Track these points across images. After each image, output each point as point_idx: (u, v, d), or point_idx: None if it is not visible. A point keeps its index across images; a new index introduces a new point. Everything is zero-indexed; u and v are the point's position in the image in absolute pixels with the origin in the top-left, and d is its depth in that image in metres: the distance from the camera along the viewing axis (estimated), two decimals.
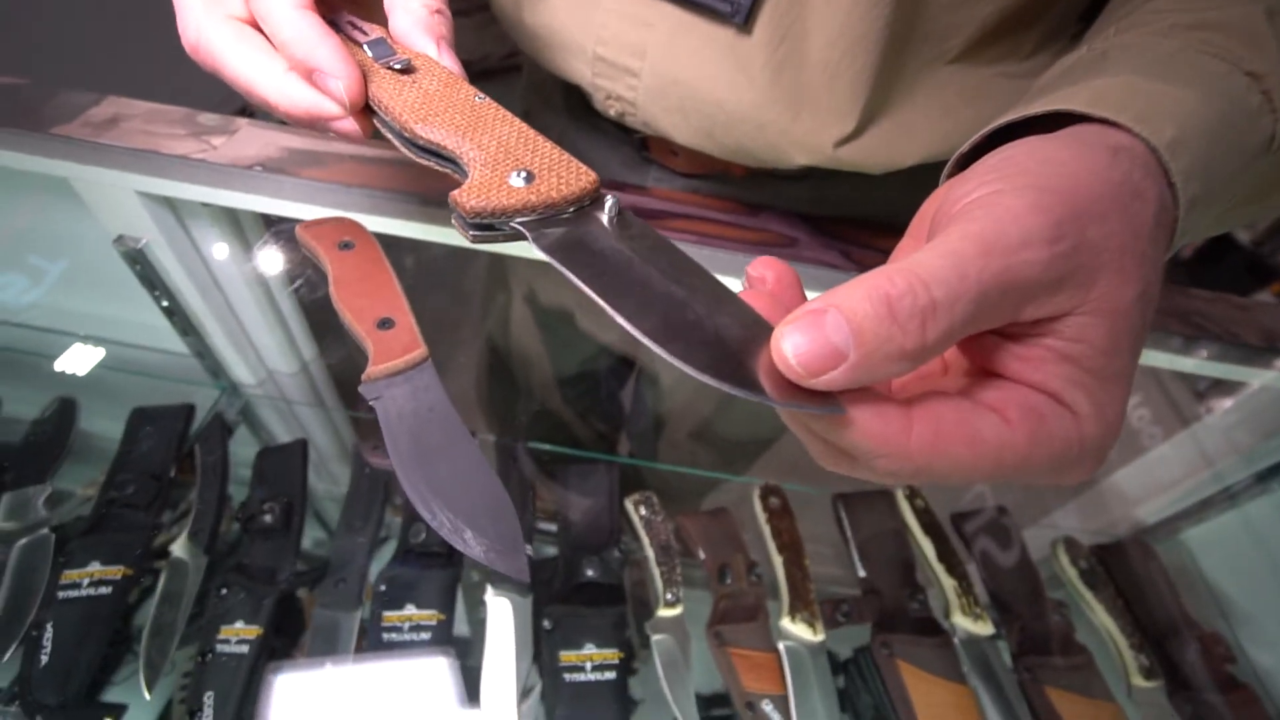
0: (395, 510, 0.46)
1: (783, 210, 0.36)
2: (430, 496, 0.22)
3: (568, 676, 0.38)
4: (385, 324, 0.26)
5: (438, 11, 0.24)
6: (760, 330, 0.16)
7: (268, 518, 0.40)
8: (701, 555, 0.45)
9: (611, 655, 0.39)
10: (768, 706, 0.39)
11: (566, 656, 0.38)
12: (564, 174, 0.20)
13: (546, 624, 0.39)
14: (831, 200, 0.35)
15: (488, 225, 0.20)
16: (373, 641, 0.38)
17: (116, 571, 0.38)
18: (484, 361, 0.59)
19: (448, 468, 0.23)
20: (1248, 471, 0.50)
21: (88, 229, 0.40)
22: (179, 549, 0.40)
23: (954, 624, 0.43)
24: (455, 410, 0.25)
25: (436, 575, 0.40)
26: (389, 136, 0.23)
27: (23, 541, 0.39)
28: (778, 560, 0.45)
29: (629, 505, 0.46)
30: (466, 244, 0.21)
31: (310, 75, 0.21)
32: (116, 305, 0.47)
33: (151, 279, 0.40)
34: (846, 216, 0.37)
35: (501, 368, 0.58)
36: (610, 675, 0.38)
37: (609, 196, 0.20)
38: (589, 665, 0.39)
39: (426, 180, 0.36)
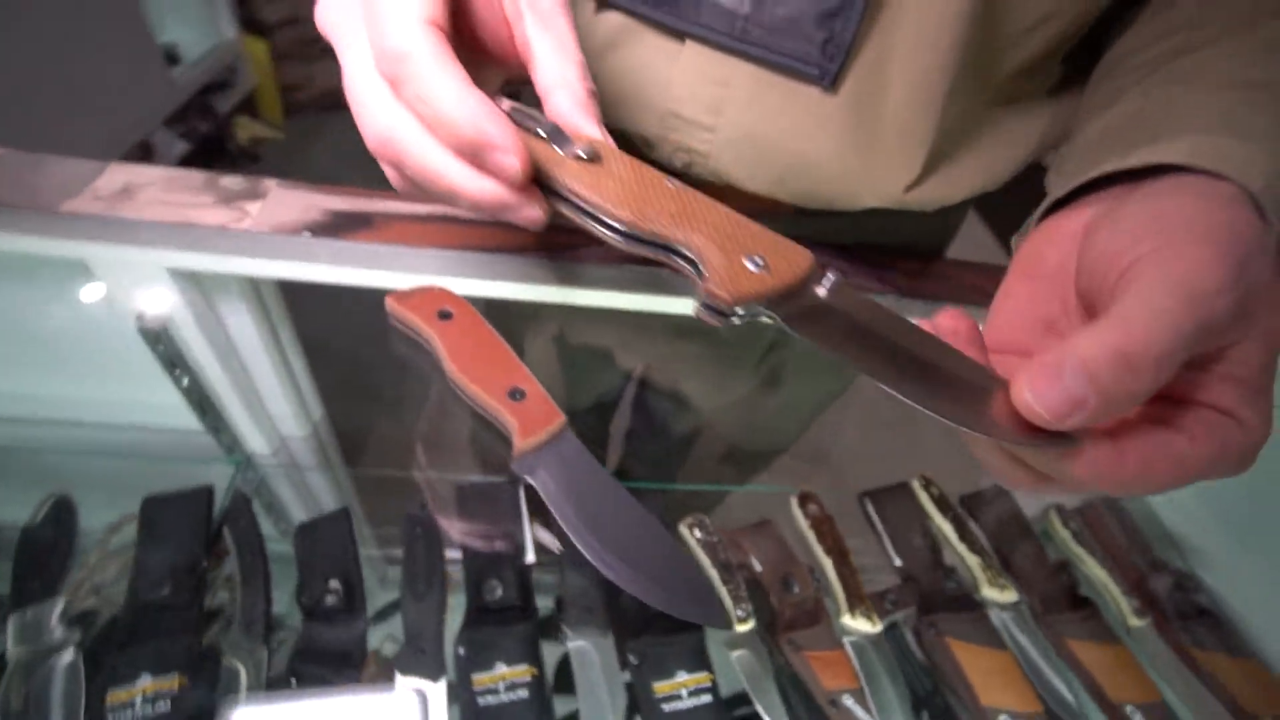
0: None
1: (819, 241, 0.39)
2: (614, 560, 0.23)
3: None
4: (517, 395, 0.26)
5: (594, 93, 0.24)
6: (981, 376, 0.18)
7: (331, 599, 0.38)
8: (759, 568, 0.47)
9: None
10: (849, 700, 0.42)
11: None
12: (787, 254, 0.21)
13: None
14: (866, 230, 0.38)
15: (726, 311, 0.21)
16: (466, 706, 0.37)
17: (172, 682, 0.35)
18: None
19: (619, 528, 0.24)
20: None
21: (93, 310, 0.36)
22: (231, 644, 0.37)
23: (984, 597, 0.48)
24: (605, 469, 0.25)
25: (518, 629, 0.40)
26: (586, 225, 0.23)
27: (47, 665, 0.34)
28: (826, 563, 0.48)
29: (683, 530, 0.48)
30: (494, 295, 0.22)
31: (479, 155, 0.21)
32: (110, 388, 0.43)
33: (173, 357, 0.37)
34: (874, 244, 0.40)
35: None
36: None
37: (829, 272, 0.21)
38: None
39: (480, 235, 0.36)
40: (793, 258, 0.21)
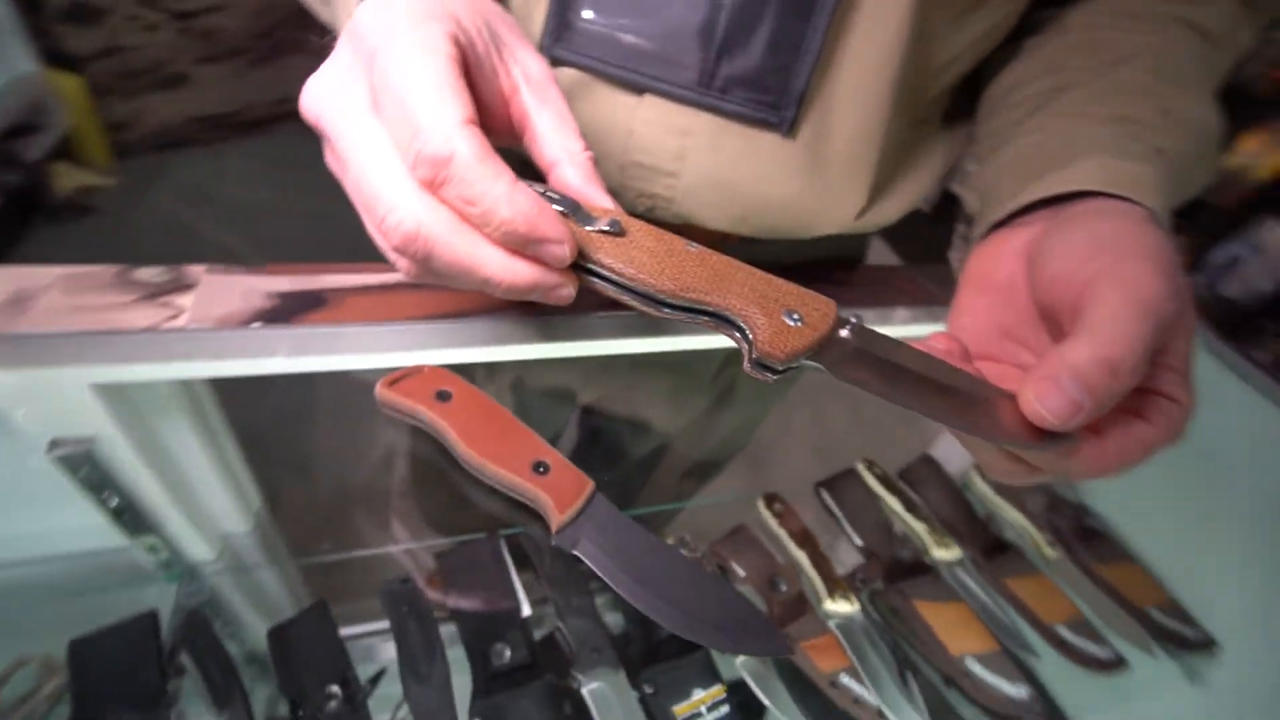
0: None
1: (767, 265, 0.42)
2: (674, 615, 0.24)
3: None
4: (542, 468, 0.26)
5: (595, 160, 0.25)
6: (986, 390, 0.22)
7: (333, 704, 0.35)
8: (742, 574, 0.49)
9: None
10: (845, 679, 0.45)
11: None
12: (816, 305, 0.23)
13: None
14: (802, 251, 0.42)
15: (772, 368, 0.22)
16: None
17: None
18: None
19: (670, 581, 0.25)
20: None
21: None
22: None
23: (934, 558, 0.54)
24: (637, 523, 0.26)
25: (533, 688, 0.39)
26: (620, 297, 0.23)
27: None
28: (800, 555, 0.52)
29: None
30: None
31: (530, 248, 0.21)
32: (12, 522, 0.36)
33: (99, 480, 0.33)
34: (812, 261, 0.44)
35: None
36: None
37: (850, 316, 0.23)
38: None
39: (443, 301, 0.35)
40: (822, 308, 0.23)
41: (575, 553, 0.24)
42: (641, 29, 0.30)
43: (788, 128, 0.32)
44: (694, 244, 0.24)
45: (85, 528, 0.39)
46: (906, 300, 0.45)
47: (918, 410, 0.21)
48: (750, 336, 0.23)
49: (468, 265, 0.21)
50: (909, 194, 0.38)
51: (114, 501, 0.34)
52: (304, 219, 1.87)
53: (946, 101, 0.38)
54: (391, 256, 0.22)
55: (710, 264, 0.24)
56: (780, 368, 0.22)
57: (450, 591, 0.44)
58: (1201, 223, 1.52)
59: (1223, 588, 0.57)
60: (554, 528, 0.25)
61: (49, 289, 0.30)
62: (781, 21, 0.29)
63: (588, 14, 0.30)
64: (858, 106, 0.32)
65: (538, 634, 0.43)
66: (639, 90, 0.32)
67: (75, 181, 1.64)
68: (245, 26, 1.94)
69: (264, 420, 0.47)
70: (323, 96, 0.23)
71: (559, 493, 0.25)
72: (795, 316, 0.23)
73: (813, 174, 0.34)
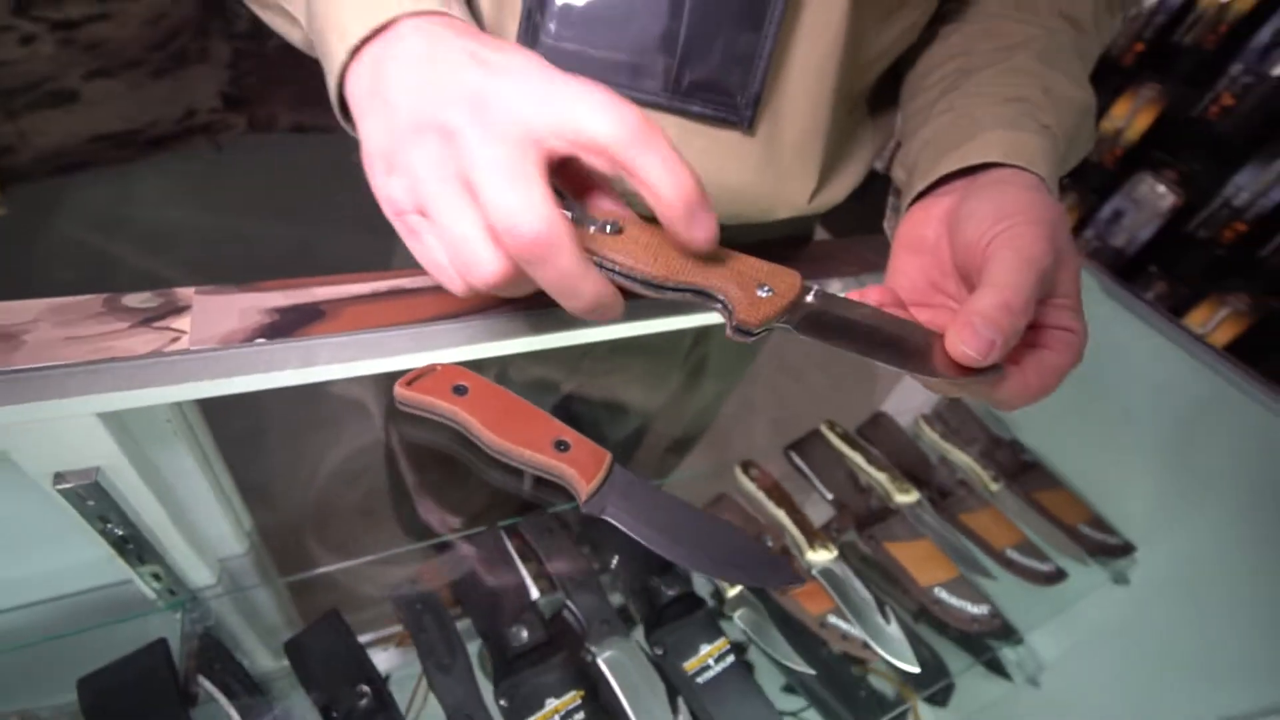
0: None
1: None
2: (699, 559, 0.27)
3: None
4: (563, 446, 0.29)
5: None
6: (923, 335, 0.26)
7: (364, 702, 0.36)
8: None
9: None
10: (833, 619, 0.50)
11: None
12: (783, 278, 0.26)
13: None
14: (762, 233, 0.45)
15: (754, 332, 0.25)
16: None
17: None
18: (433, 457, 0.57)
19: (691, 531, 0.28)
20: None
21: None
22: None
23: (898, 503, 0.60)
24: (651, 485, 0.29)
25: (553, 662, 0.41)
26: (623, 284, 0.26)
27: None
28: (779, 514, 0.56)
29: None
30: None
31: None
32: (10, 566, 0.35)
33: (102, 511, 0.32)
34: (771, 240, 0.48)
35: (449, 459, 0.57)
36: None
37: (812, 285, 0.27)
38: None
39: (435, 304, 0.37)
40: (789, 279, 0.27)
41: (605, 517, 0.27)
42: (609, 42, 0.32)
43: (747, 125, 0.35)
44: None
45: (80, 565, 0.38)
46: (851, 269, 0.50)
47: (870, 357, 0.25)
48: (730, 308, 0.26)
49: (578, 271, 0.23)
50: (852, 175, 0.42)
51: (118, 531, 0.34)
52: (221, 239, 1.78)
53: (875, 91, 0.43)
54: (481, 266, 0.24)
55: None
56: (756, 331, 0.26)
57: (460, 585, 0.45)
58: (1089, 182, 1.68)
59: (1134, 499, 0.66)
60: (582, 497, 0.27)
61: (37, 322, 0.30)
62: (736, 32, 0.32)
63: (556, 31, 0.32)
64: (805, 103, 0.36)
65: (546, 615, 0.45)
66: None
67: None
68: (137, 36, 1.81)
69: (246, 439, 0.46)
70: (424, 106, 0.24)
71: (582, 465, 0.28)
72: (766, 289, 0.27)
73: (770, 165, 0.37)
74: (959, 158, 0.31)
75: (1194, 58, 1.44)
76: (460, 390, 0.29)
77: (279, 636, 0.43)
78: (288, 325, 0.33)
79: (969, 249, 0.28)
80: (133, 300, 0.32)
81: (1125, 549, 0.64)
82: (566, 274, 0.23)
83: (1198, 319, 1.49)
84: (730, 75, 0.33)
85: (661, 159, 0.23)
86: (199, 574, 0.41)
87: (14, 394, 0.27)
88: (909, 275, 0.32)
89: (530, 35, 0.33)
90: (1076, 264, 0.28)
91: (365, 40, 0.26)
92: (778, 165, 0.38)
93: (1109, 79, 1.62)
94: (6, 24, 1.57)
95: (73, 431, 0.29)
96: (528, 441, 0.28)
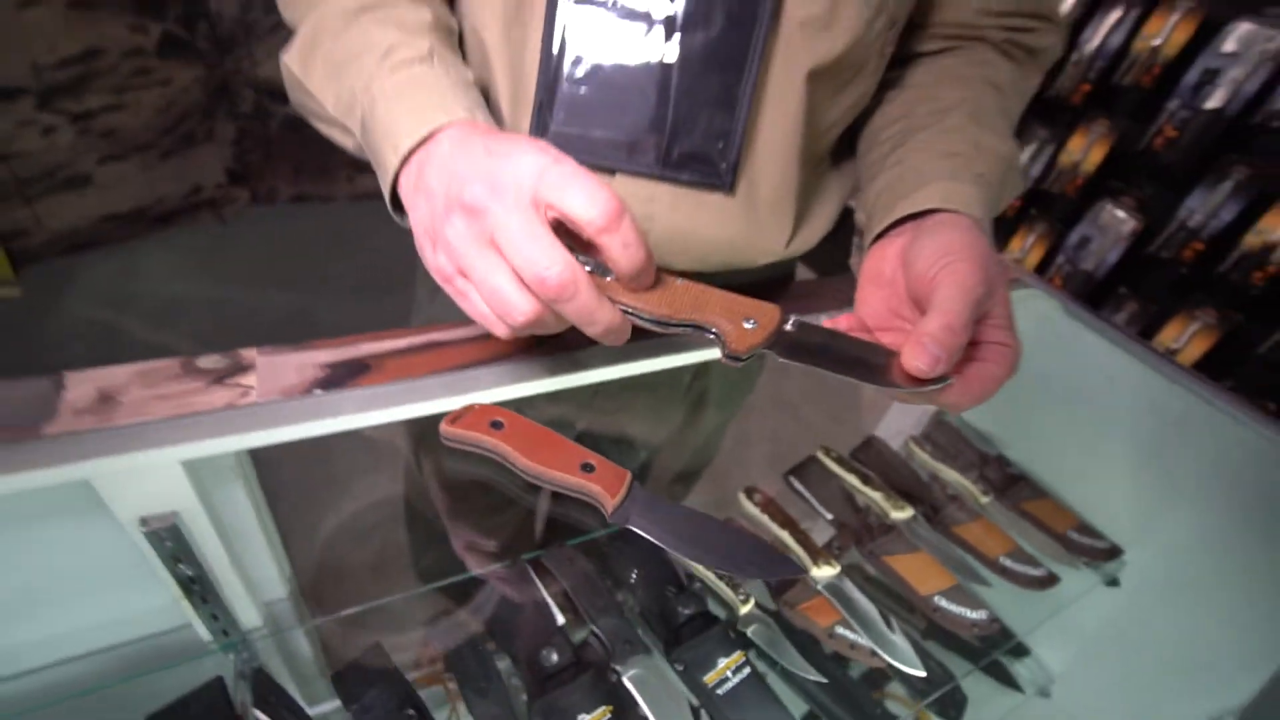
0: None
1: None
2: (713, 557, 0.31)
3: None
4: (588, 468, 0.33)
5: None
6: (884, 354, 0.31)
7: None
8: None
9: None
10: (840, 629, 0.53)
11: None
12: (765, 312, 0.31)
13: None
14: (748, 277, 0.51)
15: (742, 358, 0.30)
16: None
17: None
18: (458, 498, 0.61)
19: (704, 535, 0.32)
20: None
21: (88, 529, 0.34)
22: None
23: (894, 520, 0.63)
24: (664, 498, 0.33)
25: (583, 680, 0.44)
26: (635, 321, 0.32)
27: None
28: (784, 534, 0.59)
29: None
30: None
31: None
32: (87, 612, 0.39)
33: (178, 553, 0.36)
34: (754, 284, 0.53)
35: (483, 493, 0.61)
36: None
37: (790, 316, 0.32)
38: None
39: (463, 354, 0.42)
40: (770, 313, 0.32)
41: (629, 526, 0.31)
42: (608, 126, 0.39)
43: (728, 188, 0.41)
44: (680, 278, 0.33)
45: (143, 612, 0.41)
46: (829, 304, 0.55)
47: (841, 374, 0.30)
48: (722, 339, 0.32)
49: (595, 305, 0.29)
50: (822, 222, 0.48)
51: (188, 572, 0.37)
52: (225, 308, 1.84)
53: (836, 150, 0.49)
54: (517, 310, 0.29)
55: (693, 292, 0.33)
56: (744, 357, 0.31)
57: (491, 614, 0.48)
58: (1055, 212, 1.78)
59: (1118, 504, 0.70)
60: (609, 510, 0.31)
61: (129, 384, 0.34)
62: (714, 113, 0.39)
63: (563, 119, 0.39)
64: (775, 166, 0.42)
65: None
66: (611, 172, 0.41)
67: None
68: (149, 123, 1.92)
69: (285, 487, 0.50)
70: (477, 194, 0.29)
71: (607, 483, 0.32)
72: (751, 321, 0.32)
73: (750, 220, 0.43)
74: (908, 205, 0.37)
75: (1135, 96, 1.56)
76: (497, 425, 0.34)
77: (323, 673, 0.46)
78: (339, 378, 0.37)
79: (918, 281, 0.33)
80: (205, 362, 0.37)
81: (1113, 552, 0.67)
82: (586, 307, 0.29)
83: (1170, 335, 1.56)
84: (712, 148, 0.40)
85: (622, 242, 0.29)
86: (249, 615, 0.44)
87: (118, 446, 0.31)
88: (872, 305, 0.37)
89: (541, 125, 0.39)
90: (1006, 291, 0.34)
91: (412, 150, 0.32)
92: (756, 220, 0.44)
93: (1061, 116, 1.75)
94: (28, 118, 1.67)
95: (159, 478, 0.33)
96: (559, 465, 0.32)
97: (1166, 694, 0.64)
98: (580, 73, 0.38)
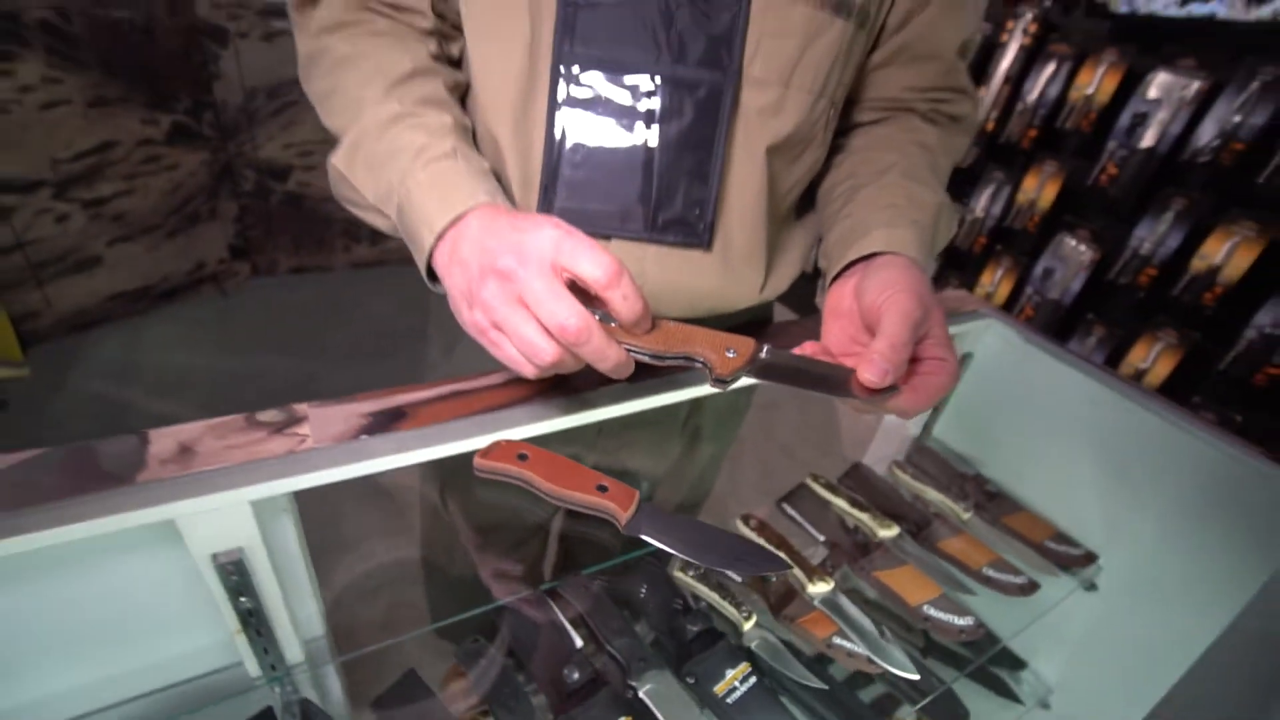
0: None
1: None
2: (717, 558, 0.36)
3: None
4: (603, 489, 0.38)
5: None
6: (843, 372, 0.37)
7: None
8: (738, 578, 0.61)
9: None
10: (838, 640, 0.57)
11: None
12: (744, 343, 0.38)
13: None
14: (730, 320, 0.58)
15: (725, 381, 0.36)
16: None
17: None
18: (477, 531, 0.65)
19: (708, 541, 0.37)
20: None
21: (169, 566, 0.38)
22: None
23: (881, 538, 0.68)
24: (665, 511, 0.38)
25: (602, 695, 0.48)
26: (635, 356, 0.38)
27: None
28: (779, 554, 0.64)
29: (678, 574, 0.60)
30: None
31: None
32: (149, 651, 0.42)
33: (241, 587, 0.41)
34: (736, 327, 0.60)
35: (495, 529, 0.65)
36: None
37: (765, 344, 0.38)
38: None
39: (486, 399, 0.48)
40: (748, 343, 0.39)
41: (641, 535, 0.36)
42: (602, 201, 0.47)
43: (706, 246, 0.49)
44: (672, 321, 0.39)
45: (198, 650, 0.45)
46: (802, 338, 0.62)
47: (808, 389, 0.37)
48: (709, 366, 0.38)
49: (606, 346, 0.35)
50: (790, 268, 0.56)
51: (248, 605, 0.42)
52: (228, 377, 1.89)
53: (798, 207, 0.57)
54: (544, 353, 0.35)
55: (683, 331, 0.39)
56: (729, 380, 0.37)
57: (515, 638, 0.52)
58: (1018, 246, 1.89)
59: (1089, 513, 0.75)
60: (622, 522, 0.37)
61: (203, 436, 0.40)
62: (691, 185, 0.47)
63: (565, 196, 0.46)
64: (745, 225, 0.50)
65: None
66: (608, 238, 0.48)
67: None
68: (157, 205, 2.02)
69: (316, 528, 0.55)
70: (509, 264, 0.35)
71: (619, 500, 0.37)
72: (732, 350, 0.38)
73: (727, 271, 0.51)
74: (857, 250, 0.45)
75: (1077, 138, 1.70)
76: (522, 456, 0.39)
77: (360, 703, 0.49)
78: (380, 424, 0.43)
79: (868, 311, 0.40)
80: (264, 416, 0.42)
81: (1089, 558, 0.72)
82: (598, 349, 0.35)
83: (1138, 355, 1.64)
84: (690, 214, 0.47)
85: (622, 295, 0.36)
86: (293, 650, 0.48)
87: (199, 489, 0.36)
88: (834, 334, 0.44)
89: (547, 203, 0.47)
90: (941, 315, 0.41)
91: (445, 229, 0.39)
92: (732, 271, 0.51)
93: (1015, 159, 1.88)
94: (44, 206, 1.76)
95: (229, 517, 0.38)
96: (577, 487, 0.38)
97: (1162, 689, 0.67)
98: (578, 158, 0.46)
